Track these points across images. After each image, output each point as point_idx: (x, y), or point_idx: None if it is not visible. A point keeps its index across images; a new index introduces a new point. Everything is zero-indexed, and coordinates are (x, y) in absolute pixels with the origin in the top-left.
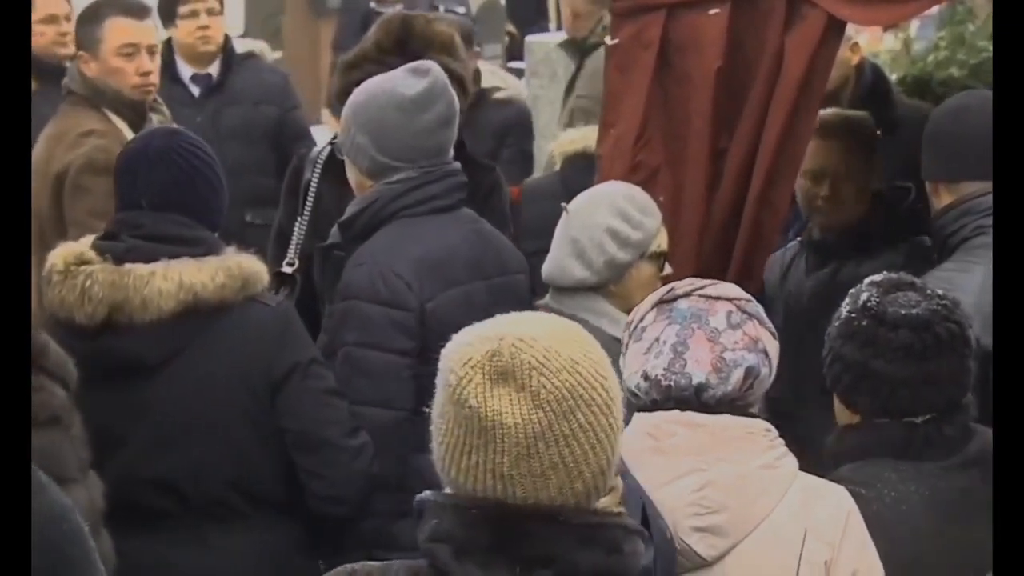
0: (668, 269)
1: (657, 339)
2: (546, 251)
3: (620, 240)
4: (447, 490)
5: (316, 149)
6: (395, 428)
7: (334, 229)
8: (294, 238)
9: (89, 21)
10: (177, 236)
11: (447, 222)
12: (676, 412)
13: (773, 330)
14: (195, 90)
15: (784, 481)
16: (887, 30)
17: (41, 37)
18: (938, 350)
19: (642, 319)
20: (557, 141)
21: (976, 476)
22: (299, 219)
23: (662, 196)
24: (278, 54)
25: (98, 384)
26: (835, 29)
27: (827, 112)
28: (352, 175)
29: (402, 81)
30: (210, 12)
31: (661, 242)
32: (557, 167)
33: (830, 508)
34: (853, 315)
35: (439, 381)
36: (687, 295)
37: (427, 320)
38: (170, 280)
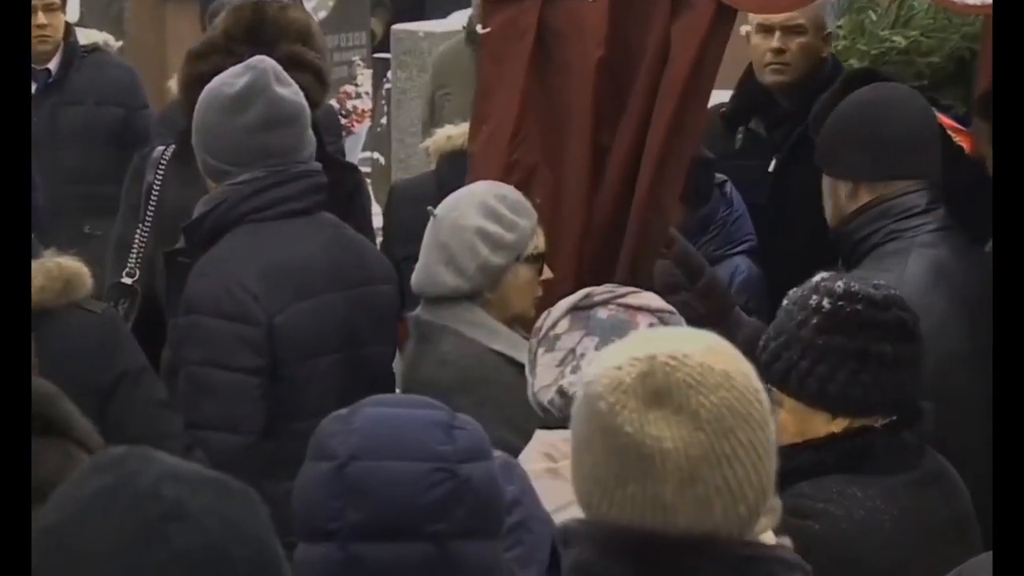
0: (547, 272)
1: (573, 350)
2: (417, 258)
3: (492, 242)
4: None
5: (159, 149)
6: (243, 453)
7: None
8: (135, 246)
9: None
10: None
11: (302, 227)
12: None
13: None
14: (31, 87)
15: None
16: None
17: None
18: (916, 332)
19: (554, 326)
20: (433, 138)
21: (936, 495)
22: (140, 225)
23: (540, 197)
24: (120, 43)
25: None
26: (724, 17)
27: None
28: None
29: (228, 78)
30: (48, 8)
31: (538, 243)
32: (432, 166)
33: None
34: (841, 303)
35: (582, 410)
36: (605, 303)
37: (276, 335)
38: None
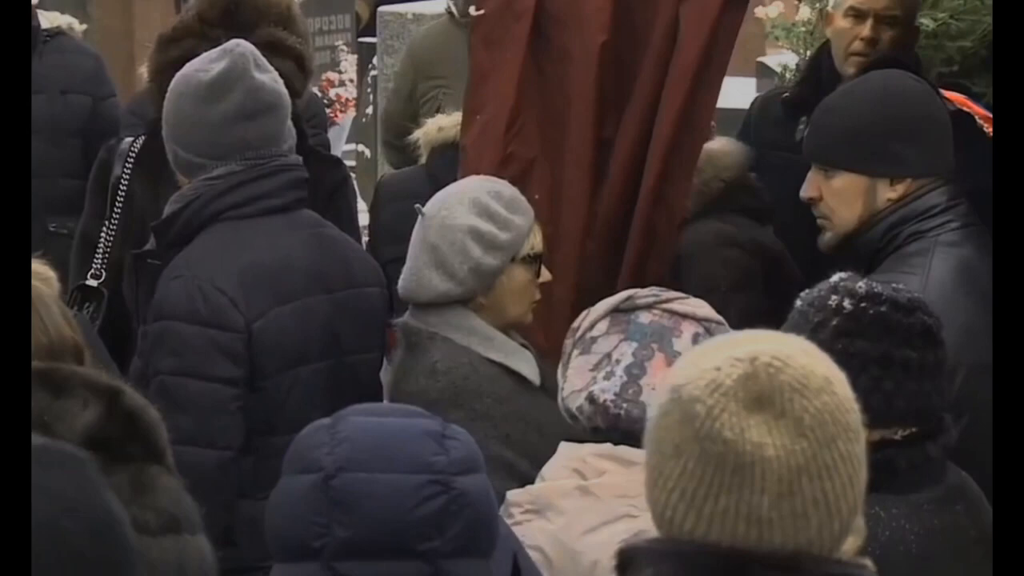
0: (546, 274)
1: (608, 355)
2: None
3: (485, 242)
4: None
5: (127, 140)
6: (220, 470)
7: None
8: (101, 245)
9: None
10: None
11: (282, 225)
12: (607, 446)
13: None
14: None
15: None
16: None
17: None
18: (940, 338)
19: (592, 327)
20: (424, 129)
21: (961, 512)
22: (107, 222)
23: (538, 193)
24: (85, 27)
25: None
26: None
27: None
28: None
29: (202, 64)
30: None
31: (535, 243)
32: (423, 159)
33: None
34: (864, 304)
35: (673, 414)
36: (648, 307)
37: (256, 342)
38: None
